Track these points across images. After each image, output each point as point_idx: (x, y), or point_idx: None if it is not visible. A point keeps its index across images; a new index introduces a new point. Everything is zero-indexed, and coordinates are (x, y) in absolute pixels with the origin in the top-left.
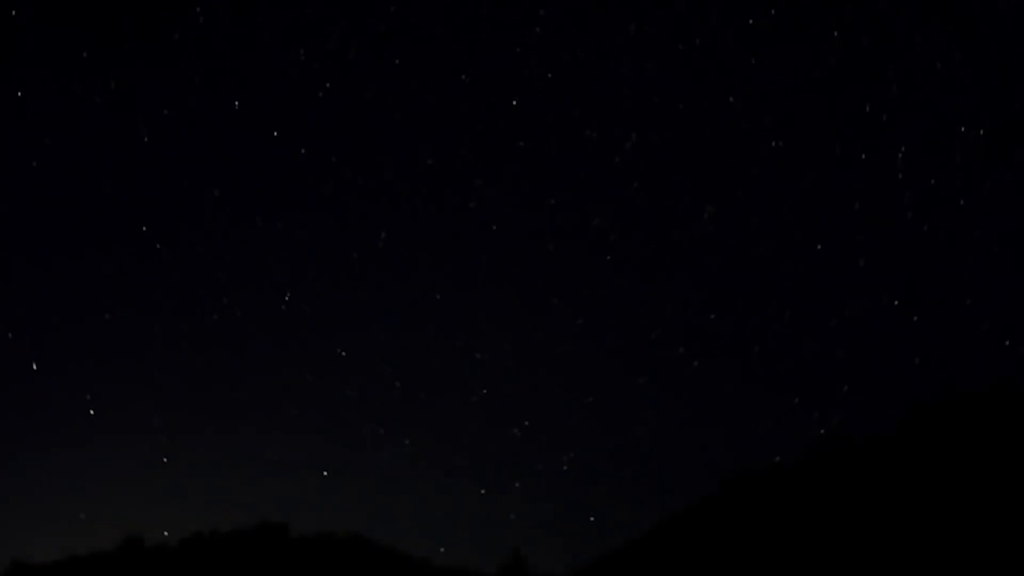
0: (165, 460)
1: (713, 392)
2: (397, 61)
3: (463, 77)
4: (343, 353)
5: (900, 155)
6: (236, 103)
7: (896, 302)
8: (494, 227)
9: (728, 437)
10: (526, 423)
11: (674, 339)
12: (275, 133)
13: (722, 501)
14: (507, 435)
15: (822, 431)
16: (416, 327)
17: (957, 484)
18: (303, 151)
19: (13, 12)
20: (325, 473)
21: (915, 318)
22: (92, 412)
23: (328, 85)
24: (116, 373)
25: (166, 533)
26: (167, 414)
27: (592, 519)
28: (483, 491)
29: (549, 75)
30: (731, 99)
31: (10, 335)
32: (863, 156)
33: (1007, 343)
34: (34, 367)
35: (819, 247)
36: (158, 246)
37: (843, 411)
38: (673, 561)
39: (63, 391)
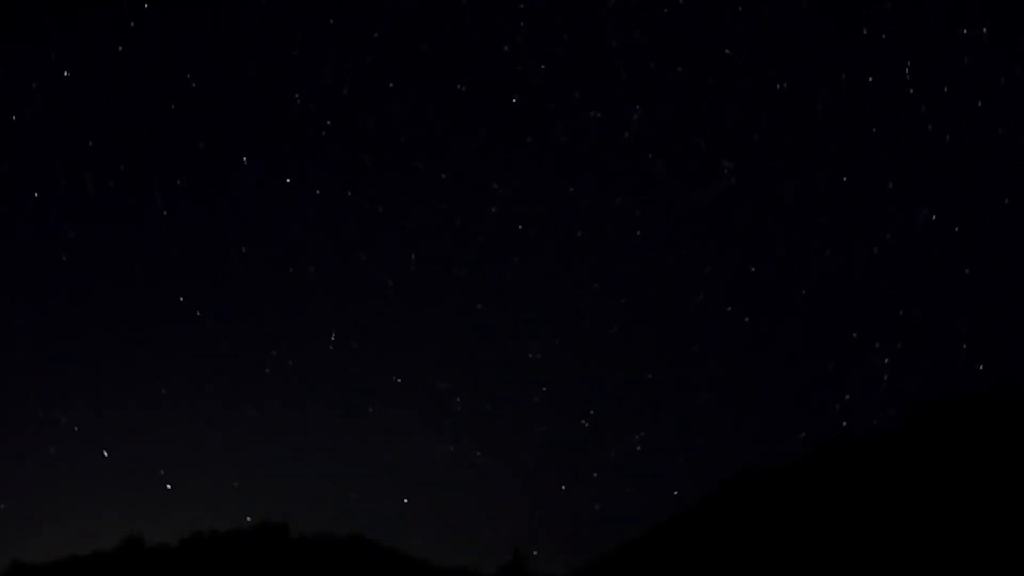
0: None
1: (771, 347)
2: (391, 84)
3: (459, 87)
4: (398, 380)
5: (907, 70)
6: (244, 159)
7: (934, 216)
8: (520, 227)
9: (779, 404)
10: (592, 412)
11: (721, 299)
12: (287, 180)
13: (722, 501)
14: (577, 427)
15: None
16: (464, 340)
17: (958, 484)
18: (317, 192)
19: (14, 117)
20: (406, 500)
21: (956, 229)
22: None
23: (329, 123)
24: (189, 445)
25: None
26: (235, 461)
27: (676, 492)
28: (563, 487)
29: (543, 67)
30: (727, 51)
31: (76, 428)
32: (870, 79)
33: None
34: (105, 454)
35: (845, 179)
36: (198, 313)
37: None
38: (673, 561)
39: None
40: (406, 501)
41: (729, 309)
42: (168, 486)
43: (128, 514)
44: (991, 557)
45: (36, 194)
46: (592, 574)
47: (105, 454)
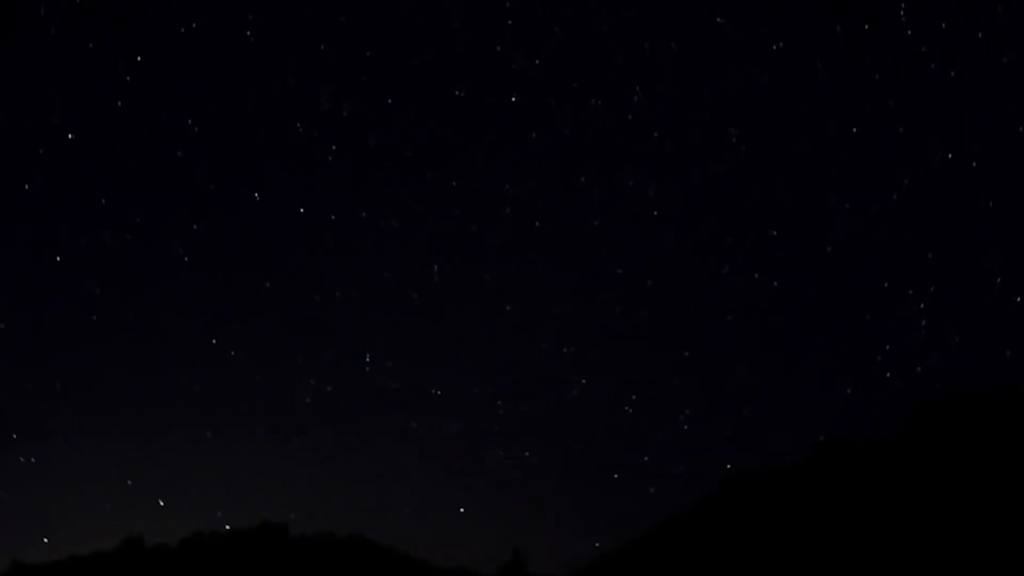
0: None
1: (805, 308)
2: (390, 101)
3: (457, 93)
4: (438, 392)
5: (902, 11)
6: (256, 195)
7: (949, 156)
8: (537, 223)
9: (823, 361)
10: (633, 397)
11: (747, 267)
12: (301, 210)
13: (722, 501)
14: (621, 415)
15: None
16: (496, 344)
17: (957, 484)
18: (333, 217)
19: (26, 186)
20: (462, 510)
21: (974, 164)
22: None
23: (334, 147)
24: (243, 485)
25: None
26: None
27: (728, 467)
28: (615, 475)
29: (537, 61)
30: (718, 19)
31: (129, 482)
32: (866, 27)
33: None
34: (161, 504)
35: (854, 130)
36: (232, 353)
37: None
38: (673, 561)
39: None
40: (462, 510)
41: (756, 276)
42: (227, 527)
43: (128, 514)
44: (991, 557)
45: (58, 258)
46: (592, 574)
47: (161, 503)
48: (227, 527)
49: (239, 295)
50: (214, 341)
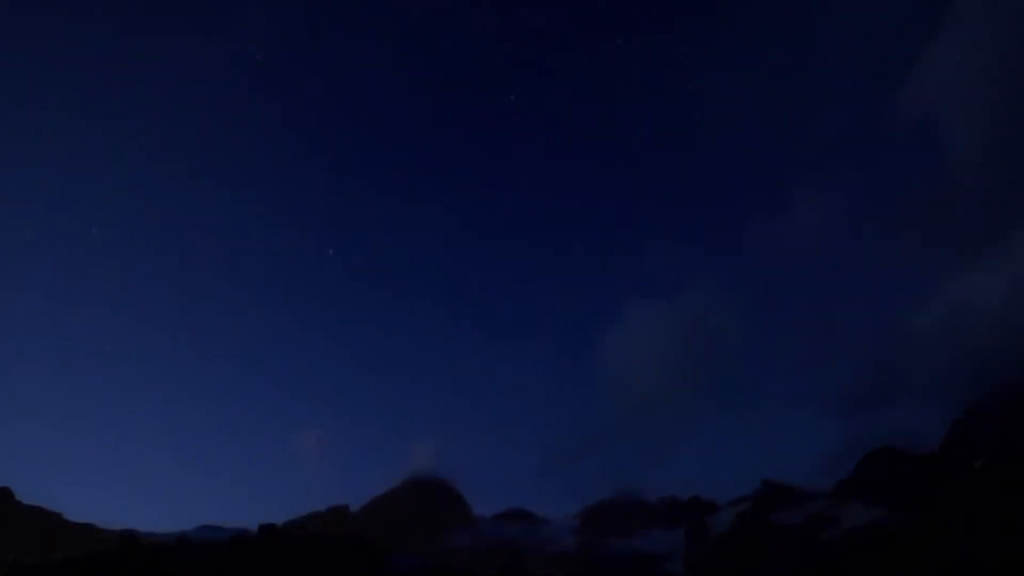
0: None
1: (838, 254)
2: (391, 127)
3: (456, 105)
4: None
5: None
6: (282, 253)
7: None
8: (560, 213)
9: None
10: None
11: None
12: (331, 251)
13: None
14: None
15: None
16: (543, 346)
17: None
18: (360, 256)
19: (72, 296)
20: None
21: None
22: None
23: (349, 186)
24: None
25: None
26: None
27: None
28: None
29: (528, 56)
30: None
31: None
32: None
33: None
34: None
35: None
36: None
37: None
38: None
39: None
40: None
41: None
42: (226, 527)
43: (128, 514)
44: None
45: (107, 347)
46: (591, 573)
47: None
48: (225, 527)
49: (307, 361)
50: (284, 416)
